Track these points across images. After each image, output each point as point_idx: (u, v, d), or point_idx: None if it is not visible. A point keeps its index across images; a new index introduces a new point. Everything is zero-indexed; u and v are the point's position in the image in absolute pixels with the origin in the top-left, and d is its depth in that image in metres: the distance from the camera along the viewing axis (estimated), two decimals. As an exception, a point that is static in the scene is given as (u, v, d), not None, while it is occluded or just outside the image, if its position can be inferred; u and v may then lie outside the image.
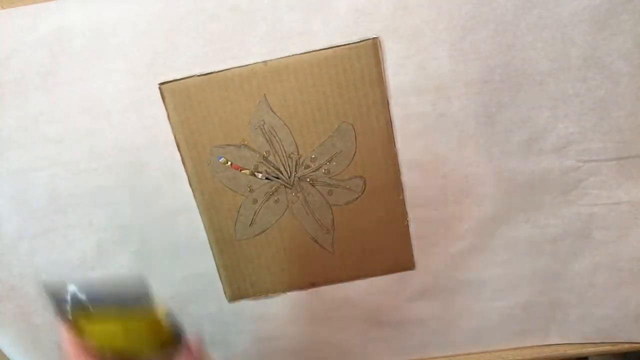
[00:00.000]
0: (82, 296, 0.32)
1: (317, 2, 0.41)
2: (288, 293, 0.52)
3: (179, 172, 0.46)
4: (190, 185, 0.47)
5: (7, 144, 0.44)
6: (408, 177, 0.47)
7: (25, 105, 0.43)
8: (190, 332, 0.42)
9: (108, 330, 0.33)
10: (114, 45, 0.41)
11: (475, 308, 0.52)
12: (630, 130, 0.45)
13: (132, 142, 0.45)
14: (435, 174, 0.47)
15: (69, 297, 0.32)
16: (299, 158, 0.46)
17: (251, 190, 0.47)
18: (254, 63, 0.43)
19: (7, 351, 0.51)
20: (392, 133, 0.45)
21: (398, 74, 0.43)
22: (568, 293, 0.50)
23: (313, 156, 0.46)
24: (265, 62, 0.43)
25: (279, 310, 0.53)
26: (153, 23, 0.41)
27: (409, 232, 0.49)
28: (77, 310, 0.32)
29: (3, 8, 0.40)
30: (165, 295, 0.48)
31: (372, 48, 0.43)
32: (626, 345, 0.52)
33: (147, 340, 0.34)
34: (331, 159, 0.46)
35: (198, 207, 0.47)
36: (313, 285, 0.51)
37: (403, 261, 0.50)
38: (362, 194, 0.47)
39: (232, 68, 0.43)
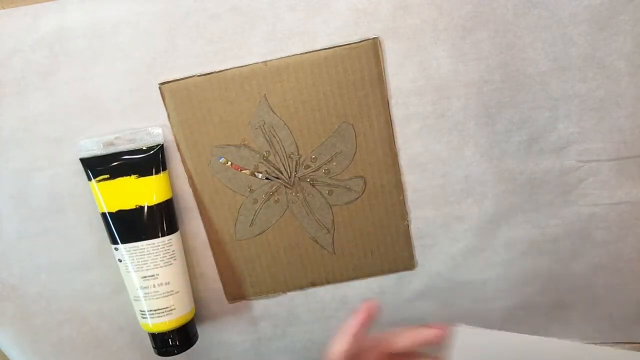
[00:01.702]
0: None
1: (317, 2, 0.41)
2: (288, 293, 0.52)
3: (179, 172, 0.46)
4: (190, 185, 0.47)
5: (7, 144, 0.44)
6: (408, 177, 0.47)
7: (25, 105, 0.43)
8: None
9: None
10: (114, 45, 0.41)
11: (475, 308, 0.52)
12: (630, 130, 0.45)
13: (132, 142, 0.45)
14: (435, 174, 0.47)
15: None
16: (299, 158, 0.46)
17: (251, 191, 0.47)
18: (254, 63, 0.43)
19: (7, 351, 0.51)
20: (392, 133, 0.45)
21: (398, 74, 0.43)
22: (568, 293, 0.50)
23: (313, 156, 0.46)
24: (265, 62, 0.43)
25: (279, 310, 0.53)
26: (153, 23, 0.41)
27: (409, 232, 0.49)
28: None
29: (3, 8, 0.40)
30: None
31: (372, 48, 0.43)
32: (626, 346, 0.52)
33: None
34: (331, 159, 0.46)
35: (198, 207, 0.47)
36: (313, 285, 0.51)
37: (403, 261, 0.50)
38: (362, 194, 0.47)
39: (232, 68, 0.43)
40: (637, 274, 0.50)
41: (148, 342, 0.48)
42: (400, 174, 0.47)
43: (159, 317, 0.46)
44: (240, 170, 0.46)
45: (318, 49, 0.42)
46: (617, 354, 0.39)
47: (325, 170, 0.46)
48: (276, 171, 0.46)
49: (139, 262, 0.45)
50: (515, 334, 0.38)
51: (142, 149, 0.44)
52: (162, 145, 0.44)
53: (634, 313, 0.51)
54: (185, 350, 0.48)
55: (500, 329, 0.50)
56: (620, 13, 0.41)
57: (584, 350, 0.38)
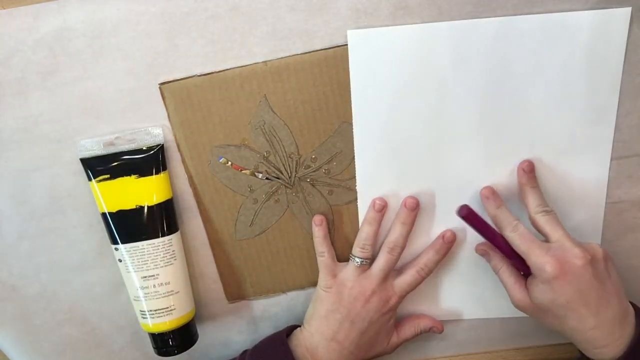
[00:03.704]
0: None
1: (317, 2, 0.41)
2: (288, 293, 0.52)
3: (179, 172, 0.46)
4: (191, 185, 0.47)
5: (7, 144, 0.44)
6: (408, 177, 0.47)
7: (25, 105, 0.43)
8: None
9: None
10: (114, 45, 0.41)
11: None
12: (628, 129, 0.45)
13: (132, 142, 0.45)
14: (435, 173, 0.47)
15: None
16: (299, 158, 0.46)
17: (251, 191, 0.47)
18: (254, 63, 0.43)
19: (7, 351, 0.51)
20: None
21: (398, 74, 0.43)
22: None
23: (313, 156, 0.46)
24: (265, 62, 0.43)
25: (279, 310, 0.53)
26: (153, 23, 0.41)
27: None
28: None
29: (3, 8, 0.40)
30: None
31: (372, 48, 0.43)
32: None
33: None
34: (331, 159, 0.46)
35: (198, 207, 0.47)
36: (313, 285, 0.51)
37: (403, 261, 0.50)
38: (362, 193, 0.47)
39: (233, 68, 0.43)
40: (635, 272, 0.50)
41: (148, 342, 0.48)
42: (400, 174, 0.47)
43: (159, 317, 0.46)
44: (241, 170, 0.46)
45: (318, 49, 0.42)
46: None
47: (325, 170, 0.46)
48: (276, 171, 0.46)
49: (139, 262, 0.45)
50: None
51: (142, 149, 0.44)
52: (162, 145, 0.44)
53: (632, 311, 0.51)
54: (185, 350, 0.48)
55: (500, 329, 0.50)
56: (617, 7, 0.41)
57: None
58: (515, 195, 0.47)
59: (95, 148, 0.44)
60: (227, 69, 0.43)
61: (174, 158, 0.46)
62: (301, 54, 0.42)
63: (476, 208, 0.45)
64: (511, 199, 0.47)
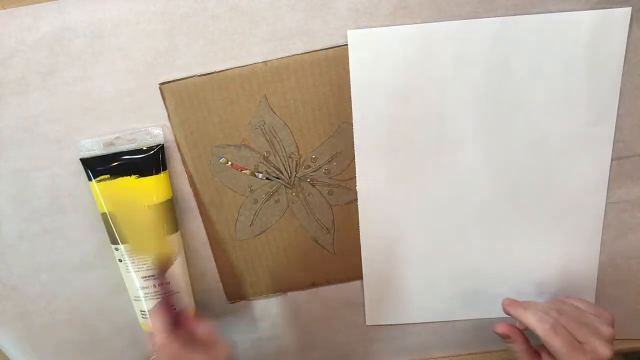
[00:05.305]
0: None
1: (317, 2, 0.41)
2: (288, 293, 0.52)
3: (179, 172, 0.46)
4: (191, 185, 0.47)
5: (7, 144, 0.44)
6: (408, 177, 0.47)
7: (25, 105, 0.43)
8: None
9: None
10: (114, 45, 0.41)
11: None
12: (629, 129, 0.45)
13: (132, 142, 0.45)
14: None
15: None
16: (300, 158, 0.46)
17: (251, 191, 0.47)
18: (254, 63, 0.43)
19: (7, 351, 0.51)
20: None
21: (398, 74, 0.43)
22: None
23: (313, 156, 0.46)
24: (265, 62, 0.43)
25: (279, 310, 0.53)
26: (153, 23, 0.41)
27: (409, 232, 0.49)
28: None
29: (3, 8, 0.40)
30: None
31: (372, 48, 0.43)
32: (626, 345, 0.53)
33: None
34: (331, 159, 0.46)
35: (198, 207, 0.47)
36: (313, 285, 0.51)
37: (403, 261, 0.50)
38: (362, 193, 0.47)
39: (233, 68, 0.43)
40: (635, 272, 0.50)
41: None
42: (400, 174, 0.47)
43: (159, 317, 0.46)
44: (241, 170, 0.46)
45: (318, 49, 0.42)
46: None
47: (325, 170, 0.47)
48: (276, 171, 0.46)
49: (139, 262, 0.45)
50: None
51: (142, 149, 0.44)
52: (162, 145, 0.44)
53: (632, 310, 0.51)
54: (185, 350, 0.48)
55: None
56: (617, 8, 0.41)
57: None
58: (515, 194, 0.47)
59: (95, 148, 0.44)
60: (227, 69, 0.43)
61: (174, 158, 0.46)
62: (301, 54, 0.42)
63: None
64: (512, 198, 0.47)
